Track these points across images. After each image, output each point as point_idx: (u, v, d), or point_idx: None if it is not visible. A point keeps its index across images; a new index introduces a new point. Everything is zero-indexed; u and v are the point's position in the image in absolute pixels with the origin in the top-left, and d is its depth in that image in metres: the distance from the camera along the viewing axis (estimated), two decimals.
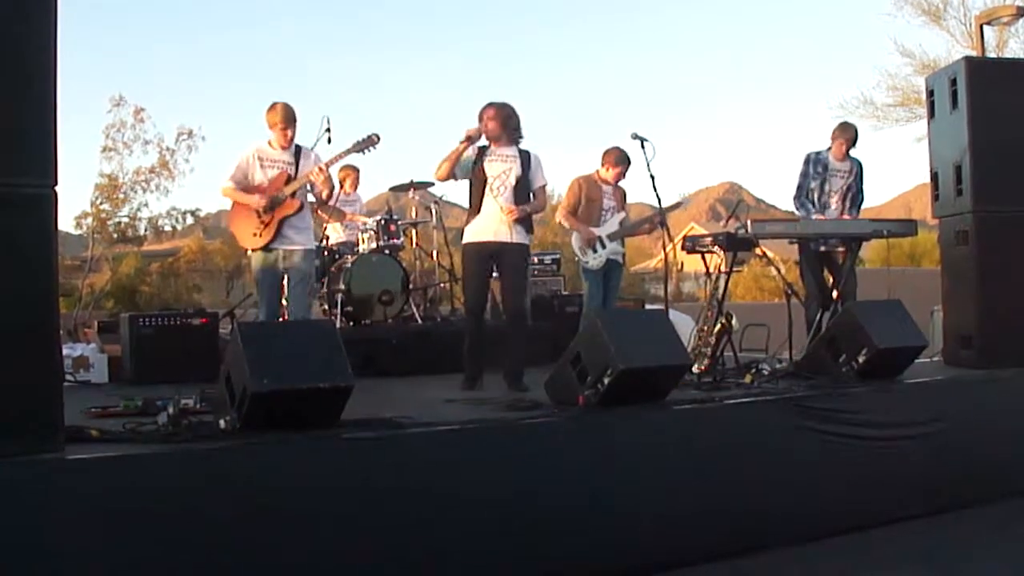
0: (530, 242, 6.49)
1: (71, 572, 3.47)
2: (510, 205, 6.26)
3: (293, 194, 6.53)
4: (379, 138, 6.70)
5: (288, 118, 6.57)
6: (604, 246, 7.54)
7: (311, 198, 6.89)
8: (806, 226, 7.37)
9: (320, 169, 6.48)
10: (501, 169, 6.33)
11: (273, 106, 6.59)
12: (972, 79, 6.66)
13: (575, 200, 7.72)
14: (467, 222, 6.42)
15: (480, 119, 6.33)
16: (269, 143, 6.66)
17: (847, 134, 7.84)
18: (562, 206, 8.02)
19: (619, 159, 7.69)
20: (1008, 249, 6.59)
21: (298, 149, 6.71)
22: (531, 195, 6.43)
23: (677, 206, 7.67)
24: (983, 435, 6.02)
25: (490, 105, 6.38)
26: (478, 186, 6.33)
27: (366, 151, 6.73)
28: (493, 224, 6.27)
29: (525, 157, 6.41)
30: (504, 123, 6.34)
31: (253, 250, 6.62)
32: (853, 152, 7.89)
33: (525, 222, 6.35)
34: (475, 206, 6.34)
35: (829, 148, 7.87)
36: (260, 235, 6.54)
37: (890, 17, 25.64)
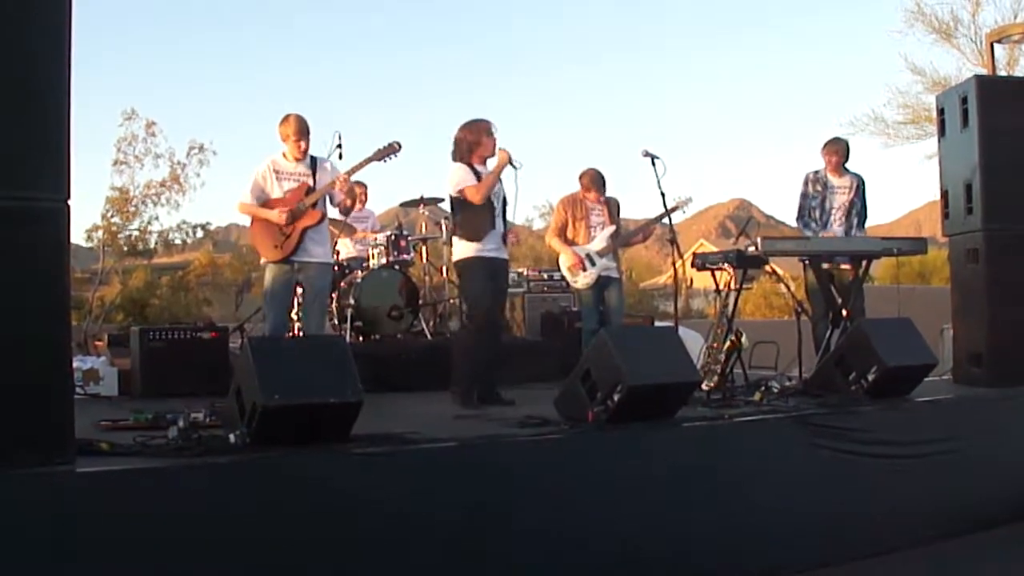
0: None
1: None
2: (504, 229, 6.43)
3: (314, 204, 6.51)
4: (400, 146, 6.60)
5: (302, 130, 6.55)
6: (594, 263, 7.47)
7: (331, 210, 6.86)
8: (816, 243, 7.35)
9: (344, 179, 6.46)
10: (497, 189, 6.42)
11: (286, 118, 6.56)
12: (983, 97, 6.66)
13: (561, 222, 7.67)
14: (469, 237, 6.32)
15: (485, 136, 6.36)
16: (283, 155, 6.63)
17: (836, 147, 7.84)
18: (549, 228, 7.97)
19: (591, 182, 7.65)
20: (1018, 267, 6.57)
21: (313, 160, 6.68)
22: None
23: (675, 209, 7.54)
24: (994, 454, 6.00)
25: (488, 122, 6.41)
26: (485, 205, 6.32)
27: (387, 159, 6.61)
28: (495, 243, 6.34)
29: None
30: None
31: (272, 262, 6.57)
32: (852, 167, 7.90)
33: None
34: (481, 226, 6.29)
35: (826, 166, 7.88)
36: (281, 247, 6.49)
37: (901, 35, 25.56)
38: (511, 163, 6.30)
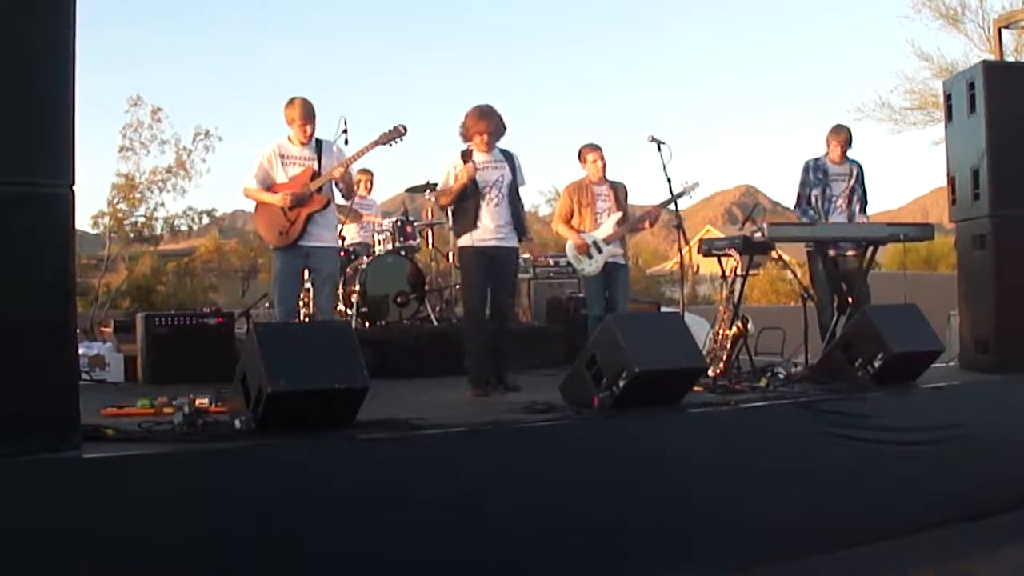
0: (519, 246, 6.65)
1: (86, 570, 3.49)
2: (508, 215, 6.38)
3: (319, 189, 6.43)
4: (406, 129, 6.50)
5: (307, 113, 6.46)
6: (600, 250, 7.40)
7: (337, 196, 6.78)
8: (823, 230, 7.33)
9: (343, 166, 6.41)
10: (495, 177, 6.36)
11: (291, 101, 6.47)
12: (990, 83, 6.62)
13: (567, 209, 7.59)
14: (459, 230, 6.41)
15: (481, 125, 6.29)
16: (288, 139, 6.56)
17: (841, 135, 7.79)
18: (555, 215, 7.94)
19: (590, 148, 7.56)
20: None
21: (319, 143, 6.60)
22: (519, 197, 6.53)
23: (681, 195, 7.48)
24: (1000, 440, 5.99)
25: (491, 112, 6.35)
26: (473, 195, 6.30)
27: (393, 143, 6.52)
28: (491, 232, 6.30)
29: (510, 159, 6.47)
30: (502, 131, 6.40)
31: (278, 248, 6.51)
32: (852, 154, 7.87)
33: (520, 228, 6.48)
34: (471, 216, 6.30)
35: (826, 153, 7.85)
36: (287, 232, 6.42)
37: (908, 20, 25.41)
38: (469, 180, 6.27)
